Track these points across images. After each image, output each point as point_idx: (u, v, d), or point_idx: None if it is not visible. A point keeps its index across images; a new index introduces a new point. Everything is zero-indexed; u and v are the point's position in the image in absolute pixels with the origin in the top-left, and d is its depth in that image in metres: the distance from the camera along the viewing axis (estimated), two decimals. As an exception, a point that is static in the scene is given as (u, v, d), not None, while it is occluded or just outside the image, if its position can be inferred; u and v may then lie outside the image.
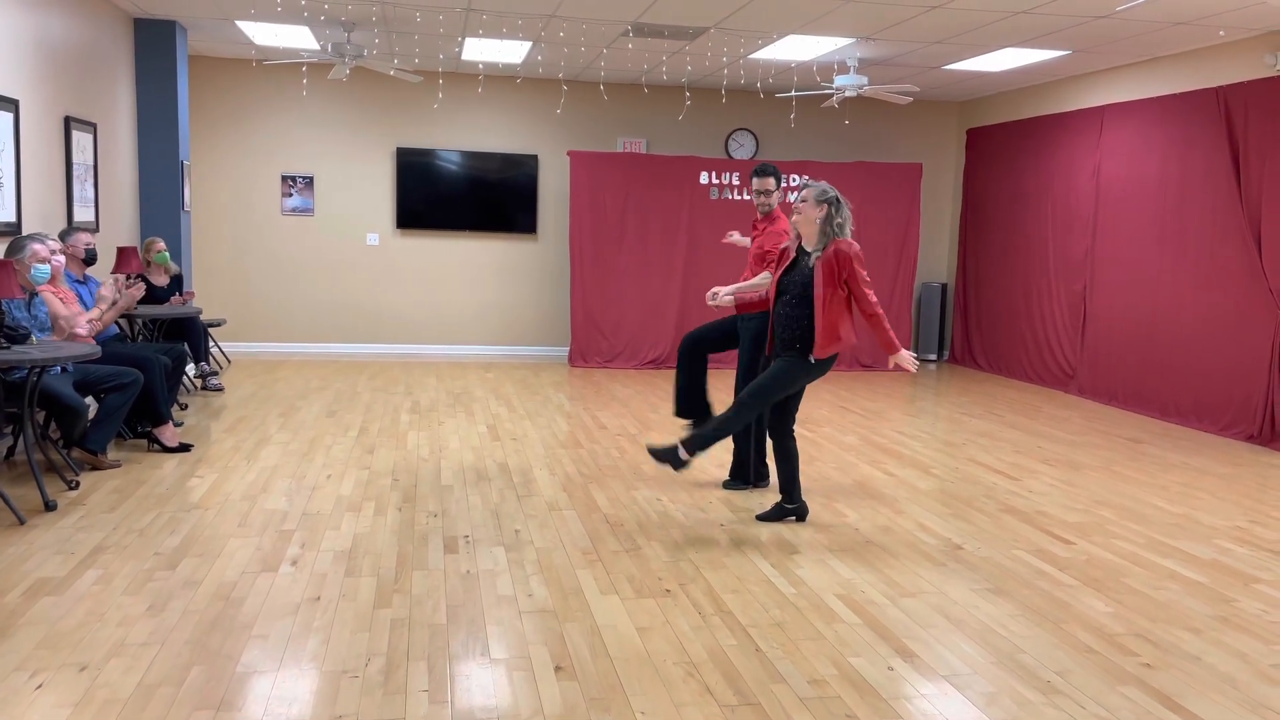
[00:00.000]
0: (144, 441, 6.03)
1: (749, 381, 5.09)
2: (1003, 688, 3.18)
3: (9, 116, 5.75)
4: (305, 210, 10.44)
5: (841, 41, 8.12)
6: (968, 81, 9.93)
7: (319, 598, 3.72)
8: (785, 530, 4.79)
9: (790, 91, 10.41)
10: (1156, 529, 5.04)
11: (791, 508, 4.95)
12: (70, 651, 3.19)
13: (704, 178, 10.38)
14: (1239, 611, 3.92)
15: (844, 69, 9.01)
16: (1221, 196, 7.68)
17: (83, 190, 7.02)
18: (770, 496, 5.26)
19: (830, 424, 7.51)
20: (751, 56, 8.87)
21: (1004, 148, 10.47)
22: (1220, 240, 7.70)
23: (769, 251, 5.26)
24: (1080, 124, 9.32)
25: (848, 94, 8.49)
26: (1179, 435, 7.55)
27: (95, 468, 5.42)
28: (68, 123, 6.71)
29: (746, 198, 10.45)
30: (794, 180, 10.48)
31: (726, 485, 5.57)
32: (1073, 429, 7.64)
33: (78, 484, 5.10)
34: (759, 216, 5.51)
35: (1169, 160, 8.23)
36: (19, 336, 4.81)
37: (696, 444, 4.75)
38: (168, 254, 7.84)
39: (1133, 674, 3.31)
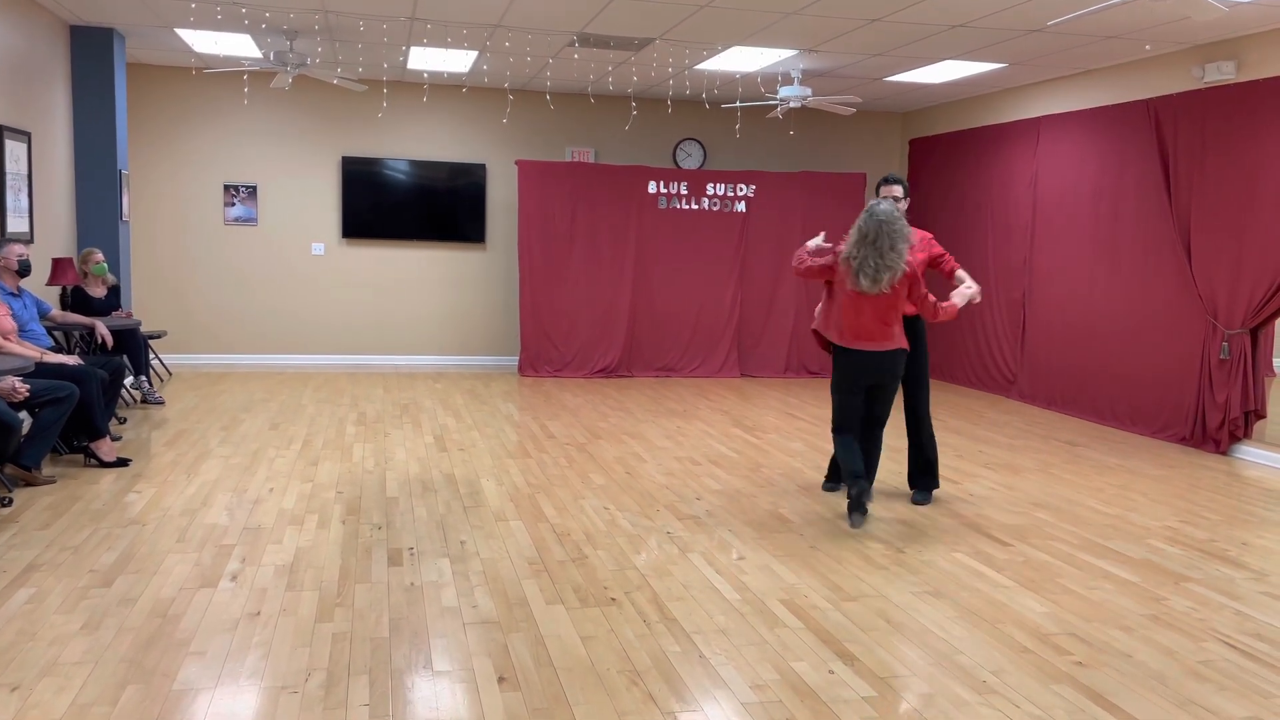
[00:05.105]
0: (80, 456, 5.92)
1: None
2: (939, 688, 3.24)
3: (-62, 125, 5.62)
4: (248, 220, 10.30)
5: (785, 53, 8.22)
6: (909, 93, 10.11)
7: (259, 613, 3.68)
8: (730, 536, 4.83)
9: (736, 102, 10.52)
10: (1092, 530, 5.16)
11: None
12: (0, 672, 3.12)
13: (652, 187, 10.42)
14: (1169, 610, 4.03)
15: (788, 80, 9.13)
16: (1153, 205, 7.89)
17: (16, 200, 6.87)
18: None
19: (777, 430, 7.58)
20: (697, 68, 8.95)
21: (945, 158, 10.67)
22: (1152, 248, 7.91)
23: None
24: (1018, 134, 9.52)
25: (792, 105, 8.60)
26: (1115, 438, 7.73)
27: (29, 484, 5.30)
28: (0, 132, 6.56)
29: (694, 206, 10.52)
30: (740, 190, 10.59)
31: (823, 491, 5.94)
32: (1012, 433, 7.79)
33: (10, 501, 4.98)
34: None
35: (1103, 170, 8.44)
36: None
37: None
38: (106, 265, 7.71)
39: (1066, 672, 3.39)
